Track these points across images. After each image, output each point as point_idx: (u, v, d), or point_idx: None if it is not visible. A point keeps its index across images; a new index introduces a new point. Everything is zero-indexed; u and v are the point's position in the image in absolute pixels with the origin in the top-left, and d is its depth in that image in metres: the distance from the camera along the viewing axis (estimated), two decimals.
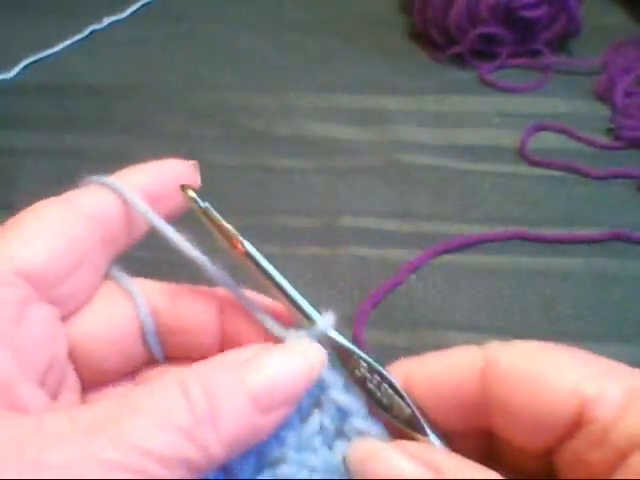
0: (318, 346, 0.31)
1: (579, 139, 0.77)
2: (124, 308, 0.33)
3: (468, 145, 0.77)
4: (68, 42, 0.93)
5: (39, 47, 0.91)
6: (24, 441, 0.24)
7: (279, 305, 0.33)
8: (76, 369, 0.32)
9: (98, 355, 0.32)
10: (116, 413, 0.25)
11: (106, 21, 0.97)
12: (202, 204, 0.32)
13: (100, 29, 0.97)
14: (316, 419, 0.30)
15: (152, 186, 0.34)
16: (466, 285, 0.63)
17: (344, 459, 0.29)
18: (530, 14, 0.86)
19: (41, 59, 0.91)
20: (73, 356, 0.32)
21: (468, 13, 0.87)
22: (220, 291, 0.34)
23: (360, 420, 0.30)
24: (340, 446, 0.30)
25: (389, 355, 0.58)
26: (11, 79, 0.88)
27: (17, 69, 0.88)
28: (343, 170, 0.74)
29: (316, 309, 0.32)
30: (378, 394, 0.31)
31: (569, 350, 0.29)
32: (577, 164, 0.74)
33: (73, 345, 0.31)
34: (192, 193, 0.32)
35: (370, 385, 0.31)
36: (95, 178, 0.33)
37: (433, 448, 0.29)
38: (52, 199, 0.32)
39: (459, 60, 0.89)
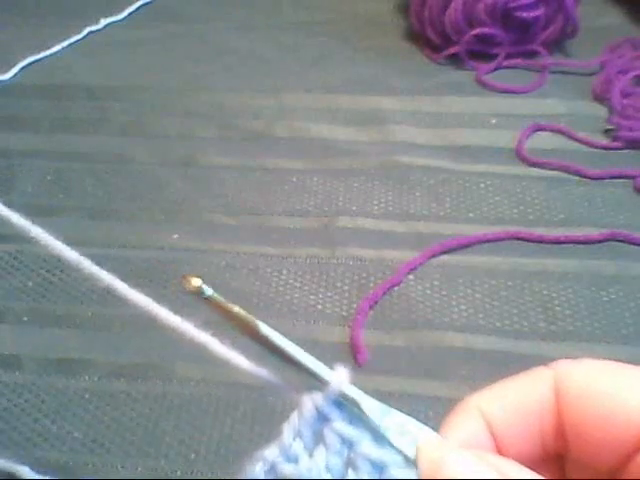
0: None
1: (576, 140, 0.77)
2: None
3: (465, 146, 0.77)
4: (66, 43, 0.93)
5: (37, 48, 0.91)
6: None
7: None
8: None
9: None
10: None
11: (104, 22, 0.97)
12: (207, 292, 0.30)
13: (98, 30, 0.97)
14: None
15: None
16: (464, 285, 0.63)
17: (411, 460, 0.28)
18: (527, 15, 0.86)
19: (39, 60, 0.91)
20: None
21: (465, 14, 0.87)
22: None
23: (399, 469, 0.28)
24: None
25: (387, 355, 0.58)
26: (9, 80, 0.87)
27: (15, 70, 0.88)
28: (341, 171, 0.75)
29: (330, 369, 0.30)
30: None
31: (636, 369, 0.29)
32: (575, 165, 0.74)
33: None
34: (197, 282, 0.30)
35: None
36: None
37: (488, 453, 0.28)
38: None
39: (456, 61, 0.89)
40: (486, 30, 0.87)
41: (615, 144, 0.77)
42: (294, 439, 0.29)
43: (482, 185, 0.73)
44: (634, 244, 0.66)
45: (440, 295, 0.62)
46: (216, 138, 0.79)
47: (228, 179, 0.74)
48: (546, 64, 0.87)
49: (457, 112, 0.81)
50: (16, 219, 0.32)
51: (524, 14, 0.86)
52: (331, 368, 0.30)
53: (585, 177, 0.73)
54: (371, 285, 0.63)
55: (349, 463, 0.29)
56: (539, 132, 0.78)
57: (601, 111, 0.81)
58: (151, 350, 0.58)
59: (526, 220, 0.69)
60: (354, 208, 0.70)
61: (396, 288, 0.63)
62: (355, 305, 0.61)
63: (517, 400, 0.29)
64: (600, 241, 0.66)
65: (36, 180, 0.74)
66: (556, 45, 0.91)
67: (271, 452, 0.29)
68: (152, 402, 0.55)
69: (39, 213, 0.69)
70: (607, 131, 0.78)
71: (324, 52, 0.93)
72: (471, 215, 0.69)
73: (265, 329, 0.30)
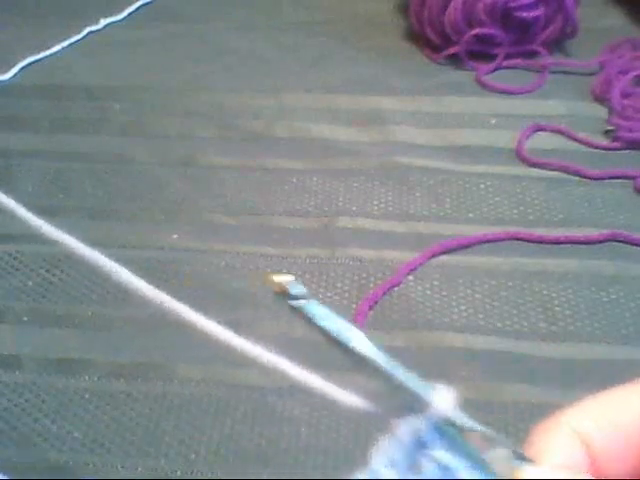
0: None
1: (576, 140, 0.77)
2: None
3: (465, 146, 0.77)
4: (66, 43, 0.93)
5: (36, 48, 0.91)
6: None
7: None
8: None
9: None
10: None
11: (103, 22, 0.97)
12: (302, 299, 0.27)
13: (98, 30, 0.97)
14: None
15: None
16: (464, 286, 0.63)
17: None
18: (527, 15, 0.86)
19: (38, 60, 0.91)
20: None
21: (465, 14, 0.87)
22: None
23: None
24: None
25: None
26: (8, 80, 0.87)
27: (14, 70, 0.88)
28: (341, 171, 0.75)
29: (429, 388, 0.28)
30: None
31: None
32: (574, 165, 0.74)
33: None
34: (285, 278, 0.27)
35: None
36: None
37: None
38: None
39: (456, 61, 0.89)
40: (486, 30, 0.87)
41: (615, 144, 0.77)
42: (385, 467, 0.26)
43: (482, 185, 0.73)
44: (634, 244, 0.66)
45: (440, 295, 0.62)
46: (216, 138, 0.79)
47: (228, 179, 0.74)
48: (546, 64, 0.87)
49: (457, 112, 0.81)
50: (23, 214, 0.31)
51: (524, 14, 0.86)
52: (431, 387, 0.26)
53: (585, 177, 0.73)
54: (371, 285, 0.63)
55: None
56: (539, 132, 0.78)
57: (601, 111, 0.81)
58: (151, 350, 0.58)
59: (526, 220, 0.69)
60: (354, 208, 0.70)
61: (396, 288, 0.63)
62: (355, 305, 0.61)
63: (616, 416, 0.27)
64: (600, 241, 0.66)
65: (36, 180, 0.74)
66: (556, 45, 0.91)
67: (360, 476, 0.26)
68: (152, 402, 0.55)
69: (39, 213, 0.68)
70: (607, 131, 0.78)
71: (324, 52, 0.93)
72: (471, 215, 0.69)
73: (367, 346, 0.28)
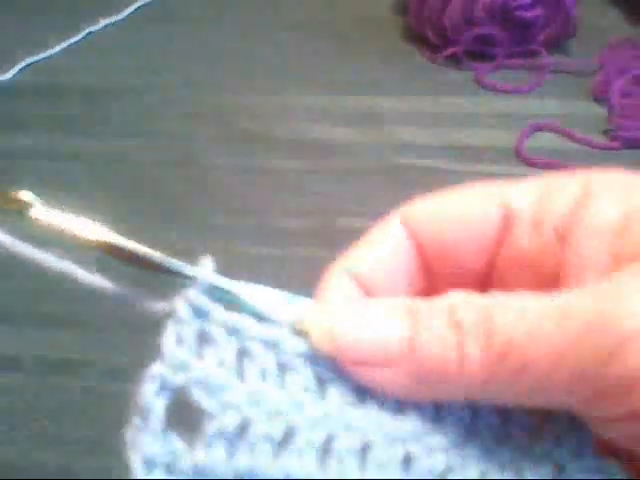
0: None
1: (576, 140, 0.77)
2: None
3: (465, 146, 0.77)
4: (65, 44, 0.93)
5: (36, 49, 0.91)
6: None
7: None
8: None
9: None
10: None
11: (103, 22, 0.97)
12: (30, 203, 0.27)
13: (97, 30, 0.97)
14: (256, 369, 0.27)
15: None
16: None
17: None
18: (526, 15, 0.86)
19: (38, 61, 0.91)
20: None
21: (464, 14, 0.87)
22: None
23: (290, 341, 0.27)
24: (292, 378, 0.27)
25: None
26: (8, 80, 0.87)
27: (14, 71, 0.88)
28: (341, 171, 0.75)
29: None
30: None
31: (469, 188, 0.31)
32: (574, 165, 0.74)
33: None
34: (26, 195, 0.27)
35: None
36: None
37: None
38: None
39: (455, 61, 0.89)
40: (485, 30, 0.87)
41: (614, 144, 0.77)
42: (177, 345, 0.27)
43: None
44: None
45: None
46: (216, 138, 0.79)
47: (228, 179, 0.74)
48: (545, 64, 0.87)
49: (457, 112, 0.82)
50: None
51: (523, 14, 0.86)
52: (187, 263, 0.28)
53: None
54: None
55: (241, 351, 0.27)
56: (538, 132, 0.78)
57: (600, 111, 0.81)
58: (151, 350, 0.58)
59: None
60: (354, 208, 0.70)
61: None
62: None
63: (378, 254, 0.32)
64: None
65: (36, 180, 0.74)
66: (555, 45, 0.91)
67: (156, 368, 0.27)
68: None
69: None
70: (607, 131, 0.78)
71: (324, 52, 0.93)
72: None
73: (116, 238, 0.29)
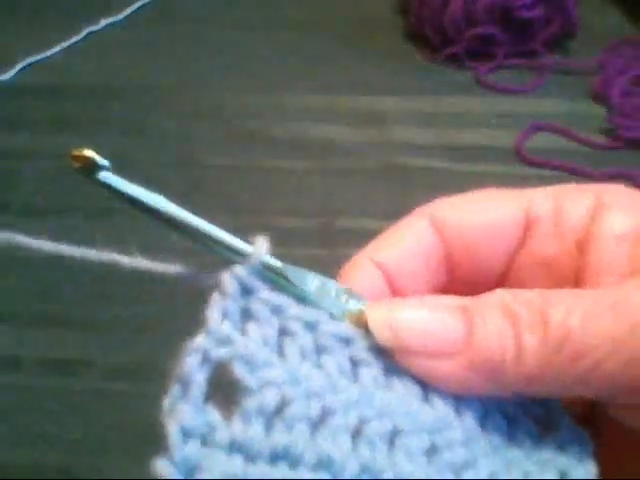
0: None
1: (576, 139, 0.77)
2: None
3: (465, 146, 0.77)
4: (65, 43, 0.93)
5: (37, 48, 0.91)
6: None
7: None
8: None
9: None
10: None
11: (103, 22, 0.97)
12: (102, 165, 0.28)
13: (97, 30, 0.97)
14: (295, 348, 0.27)
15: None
16: None
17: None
18: (526, 14, 0.86)
19: (39, 60, 0.91)
20: None
21: (464, 14, 0.87)
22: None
23: (329, 324, 0.28)
24: (328, 360, 0.27)
25: None
26: (9, 80, 0.88)
27: (15, 70, 0.88)
28: (341, 171, 0.75)
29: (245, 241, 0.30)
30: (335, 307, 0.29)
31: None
32: (574, 164, 0.74)
33: None
34: (90, 153, 0.27)
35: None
36: None
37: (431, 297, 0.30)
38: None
39: (456, 61, 0.89)
40: (485, 30, 0.87)
41: (614, 144, 0.77)
42: (222, 320, 0.27)
43: (482, 185, 0.72)
44: None
45: None
46: (216, 138, 0.79)
47: (228, 179, 0.74)
48: (545, 64, 0.87)
49: (457, 112, 0.81)
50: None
51: (523, 14, 0.86)
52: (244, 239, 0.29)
53: (585, 176, 0.73)
54: None
55: (282, 331, 0.28)
56: (539, 132, 0.78)
57: (601, 110, 0.81)
58: (151, 350, 0.58)
59: None
60: (354, 208, 0.70)
61: None
62: None
63: (404, 246, 0.33)
64: None
65: (36, 180, 0.74)
66: (555, 45, 0.91)
67: (200, 340, 0.27)
68: (152, 402, 0.55)
69: (39, 213, 0.69)
70: (607, 130, 0.78)
71: (324, 52, 0.93)
72: None
73: (172, 207, 0.29)
